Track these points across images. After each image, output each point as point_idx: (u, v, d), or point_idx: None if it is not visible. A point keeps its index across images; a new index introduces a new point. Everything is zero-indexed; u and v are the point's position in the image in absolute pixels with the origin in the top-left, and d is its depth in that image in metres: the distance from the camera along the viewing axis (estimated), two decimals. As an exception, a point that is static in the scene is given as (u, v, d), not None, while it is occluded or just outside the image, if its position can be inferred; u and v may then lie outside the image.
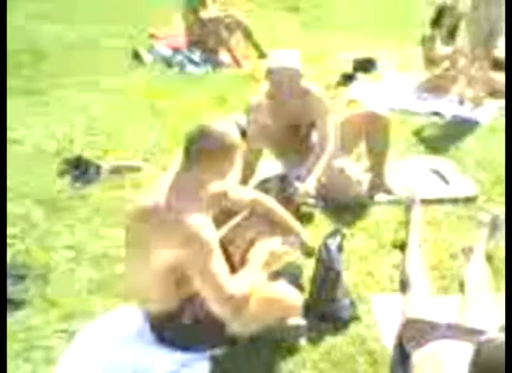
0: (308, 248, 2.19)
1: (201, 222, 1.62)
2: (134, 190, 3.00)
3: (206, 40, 5.33)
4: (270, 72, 2.75)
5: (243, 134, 1.89)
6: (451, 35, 4.67)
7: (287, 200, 2.56)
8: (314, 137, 2.94)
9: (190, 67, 5.17)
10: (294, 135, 2.92)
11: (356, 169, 3.02)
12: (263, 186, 2.79)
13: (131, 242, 1.72)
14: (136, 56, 5.33)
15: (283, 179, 2.81)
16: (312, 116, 2.85)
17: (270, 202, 2.15)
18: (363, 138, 2.96)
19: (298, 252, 2.18)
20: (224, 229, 2.06)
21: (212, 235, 1.64)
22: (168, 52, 5.40)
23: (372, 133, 2.89)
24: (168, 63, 5.25)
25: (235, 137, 1.72)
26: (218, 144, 1.68)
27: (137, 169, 3.25)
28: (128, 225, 1.74)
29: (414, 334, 1.69)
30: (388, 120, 2.91)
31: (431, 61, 4.73)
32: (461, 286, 2.18)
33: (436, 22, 4.70)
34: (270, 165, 3.07)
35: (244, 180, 2.66)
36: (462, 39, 4.37)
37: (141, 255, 1.67)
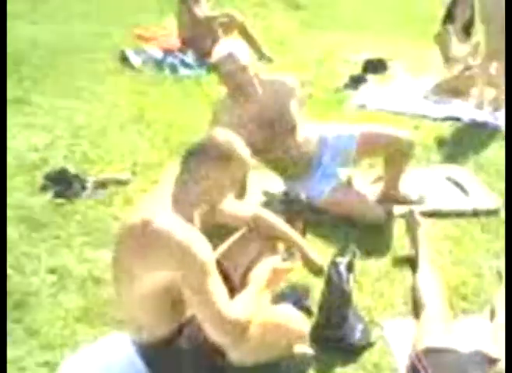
0: (316, 266, 2.19)
1: (196, 241, 1.62)
2: (122, 207, 3.01)
3: (200, 41, 5.36)
4: (218, 68, 2.72)
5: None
6: (466, 31, 4.70)
7: (292, 217, 2.56)
8: (300, 139, 2.90)
9: (183, 71, 5.21)
10: (274, 139, 2.85)
11: (369, 188, 3.06)
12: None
13: (119, 264, 1.71)
14: (123, 58, 5.37)
15: (286, 198, 2.81)
16: (285, 111, 2.81)
17: (272, 217, 2.16)
18: (381, 156, 3.01)
19: (299, 262, 2.19)
20: (222, 248, 2.07)
21: (208, 254, 1.64)
22: (159, 54, 5.44)
23: (393, 157, 2.92)
24: (159, 66, 5.28)
25: (239, 148, 1.75)
26: (221, 155, 1.70)
27: (125, 183, 3.26)
28: (116, 245, 1.74)
29: (430, 364, 1.67)
30: (413, 143, 2.95)
31: (446, 60, 4.76)
32: (492, 312, 2.15)
33: (448, 15, 4.71)
34: (268, 181, 3.10)
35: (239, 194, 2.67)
36: (478, 35, 4.40)
37: (131, 278, 1.66)
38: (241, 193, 2.62)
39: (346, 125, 3.14)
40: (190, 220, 1.69)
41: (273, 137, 2.84)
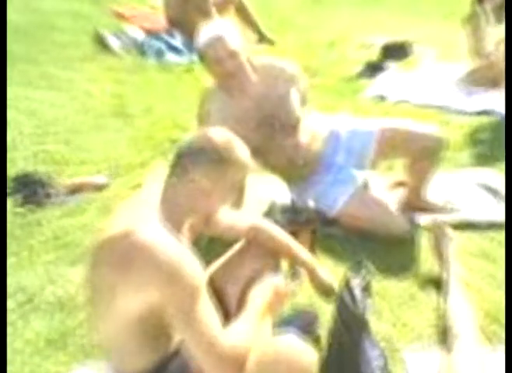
0: (325, 287, 2.21)
1: (185, 257, 1.64)
2: (98, 216, 3.03)
3: (190, 21, 5.31)
4: (203, 54, 2.71)
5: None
6: (499, 14, 4.73)
7: (298, 228, 2.60)
8: (305, 135, 2.91)
9: (170, 56, 5.24)
10: (274, 137, 2.86)
11: (387, 194, 3.08)
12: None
13: (95, 284, 1.72)
14: (100, 41, 5.38)
15: (290, 206, 2.83)
16: (286, 103, 2.82)
17: (273, 229, 2.18)
18: (403, 157, 3.02)
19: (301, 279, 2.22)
20: (216, 264, 2.10)
21: (199, 273, 1.66)
22: (141, 36, 5.46)
23: (419, 158, 2.92)
24: (141, 50, 5.30)
25: (239, 149, 1.77)
26: (219, 158, 1.72)
27: (102, 188, 3.29)
28: (91, 262, 1.74)
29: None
30: (443, 142, 2.93)
31: (477, 47, 4.78)
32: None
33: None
34: (269, 187, 3.14)
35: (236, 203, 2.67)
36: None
37: (109, 299, 1.67)
38: (238, 200, 2.78)
39: (363, 119, 3.16)
40: (179, 232, 1.71)
41: (273, 134, 2.83)
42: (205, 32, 2.72)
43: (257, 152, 2.59)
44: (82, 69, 4.91)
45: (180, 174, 1.72)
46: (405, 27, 5.80)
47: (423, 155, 2.91)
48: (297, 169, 2.94)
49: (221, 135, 1.77)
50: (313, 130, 2.93)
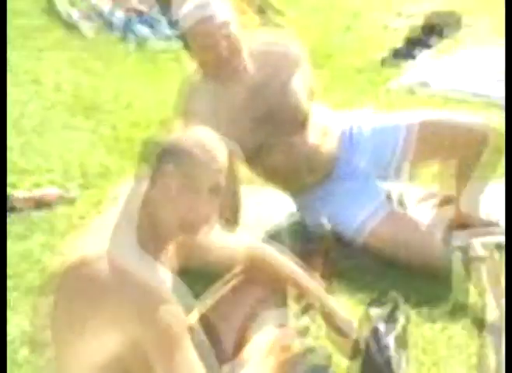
0: (342, 329, 2.19)
1: (164, 290, 1.66)
2: (62, 236, 3.00)
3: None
4: (183, 33, 2.71)
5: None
6: None
7: (309, 254, 2.60)
8: (315, 133, 2.89)
9: (145, 34, 5.27)
10: (275, 136, 2.82)
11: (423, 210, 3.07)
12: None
13: (58, 321, 1.73)
14: (69, 25, 5.42)
15: (298, 225, 2.87)
16: (289, 92, 2.79)
17: (276, 254, 2.18)
18: (448, 160, 2.98)
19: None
20: (206, 297, 2.11)
21: (180, 311, 1.68)
22: (106, 7, 5.46)
23: (470, 160, 2.88)
24: (109, 26, 5.34)
25: (221, 154, 1.79)
26: (189, 163, 1.74)
27: (70, 201, 3.30)
28: (53, 293, 1.75)
29: None
30: (501, 137, 2.76)
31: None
32: None
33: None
34: (270, 200, 3.14)
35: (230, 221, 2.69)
36: None
37: (74, 341, 1.68)
38: (232, 218, 2.80)
39: (389, 113, 3.17)
40: (161, 258, 1.74)
41: (274, 133, 2.78)
42: (187, 1, 2.68)
43: (254, 156, 2.75)
44: (49, 58, 4.93)
45: (156, 184, 1.75)
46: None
47: (475, 156, 2.86)
48: (305, 176, 2.91)
49: (194, 135, 1.79)
50: (324, 126, 2.91)
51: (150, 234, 1.74)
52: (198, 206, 1.75)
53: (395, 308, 2.22)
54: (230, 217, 2.68)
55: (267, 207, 3.16)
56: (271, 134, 2.78)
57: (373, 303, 2.25)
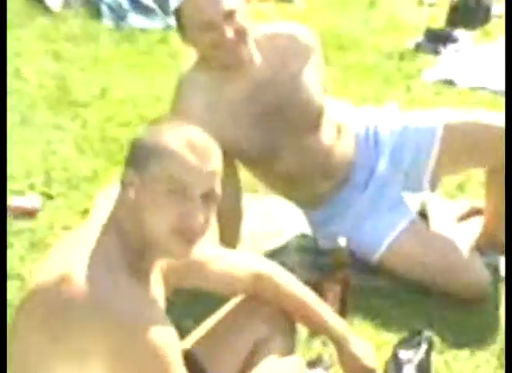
0: (362, 369, 2.19)
1: (154, 319, 1.67)
2: (26, 254, 3.03)
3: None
4: (181, 19, 2.69)
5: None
6: None
7: (324, 278, 2.63)
8: (330, 133, 2.88)
9: (135, 19, 5.26)
10: (284, 137, 2.83)
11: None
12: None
13: (20, 352, 1.72)
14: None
15: (310, 244, 2.87)
16: (301, 87, 2.81)
17: (285, 277, 2.18)
18: (484, 168, 3.00)
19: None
20: (203, 330, 2.12)
21: (172, 343, 1.70)
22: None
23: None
24: (93, 10, 5.32)
25: (214, 156, 1.80)
26: (185, 168, 1.75)
27: (33, 213, 3.28)
28: (15, 321, 1.74)
29: None
30: None
31: None
32: None
33: None
34: (277, 212, 3.17)
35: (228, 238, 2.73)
36: None
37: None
38: (232, 233, 2.85)
39: (416, 112, 3.16)
40: (148, 276, 1.77)
41: (282, 132, 2.80)
42: None
43: (260, 159, 2.82)
44: (8, 38, 4.77)
45: (140, 189, 1.76)
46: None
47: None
48: (318, 183, 2.91)
49: (184, 134, 1.79)
50: (340, 125, 2.92)
51: (138, 247, 1.75)
52: (189, 214, 1.74)
53: (430, 347, 2.32)
54: (230, 229, 2.74)
55: (272, 217, 3.18)
56: (279, 134, 2.81)
57: (402, 344, 2.31)
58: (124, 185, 1.77)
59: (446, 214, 3.21)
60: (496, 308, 2.76)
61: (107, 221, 1.79)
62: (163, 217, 1.73)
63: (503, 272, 2.91)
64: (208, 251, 2.03)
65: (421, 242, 2.85)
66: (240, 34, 2.66)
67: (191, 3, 2.63)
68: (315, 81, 2.84)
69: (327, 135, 2.86)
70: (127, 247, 1.73)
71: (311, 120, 2.82)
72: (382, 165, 2.95)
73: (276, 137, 2.80)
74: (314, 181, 2.90)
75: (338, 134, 2.91)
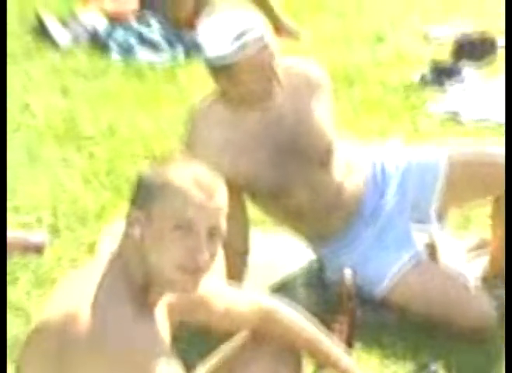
0: None
1: (159, 354, 1.70)
2: (31, 291, 3.00)
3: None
4: (231, 64, 2.67)
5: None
6: None
7: (330, 313, 2.61)
8: (340, 170, 2.91)
9: (142, 53, 5.26)
10: (293, 172, 2.85)
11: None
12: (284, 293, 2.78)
13: None
14: (41, 31, 5.39)
15: (317, 279, 2.85)
16: (311, 121, 2.84)
17: (290, 313, 2.17)
18: (489, 197, 2.99)
19: None
20: (208, 367, 2.12)
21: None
22: (102, 24, 5.47)
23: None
24: (102, 45, 5.30)
25: (219, 192, 1.81)
26: (190, 204, 1.76)
27: (39, 249, 3.25)
28: (19, 362, 1.76)
29: None
30: None
31: None
32: None
33: None
34: (285, 248, 3.16)
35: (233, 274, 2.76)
36: None
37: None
38: (237, 269, 2.86)
39: (421, 146, 3.18)
40: (150, 317, 1.77)
41: (295, 166, 2.83)
42: (222, 23, 2.67)
43: (272, 195, 2.83)
44: (15, 72, 4.88)
45: (145, 225, 1.78)
46: (487, 11, 5.82)
47: None
48: (328, 218, 2.93)
49: (189, 170, 1.82)
50: (349, 162, 2.95)
51: (142, 283, 1.77)
52: (195, 250, 1.76)
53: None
54: (236, 264, 2.79)
55: (279, 252, 3.18)
56: (291, 169, 2.82)
57: None
58: (130, 222, 1.78)
59: (454, 246, 3.19)
60: (501, 342, 2.63)
61: (113, 257, 1.81)
62: (169, 253, 1.75)
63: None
64: (213, 286, 2.03)
65: (424, 276, 2.86)
66: (274, 74, 2.71)
67: (241, 45, 2.63)
68: (326, 117, 2.88)
69: (337, 171, 2.89)
70: (132, 283, 1.75)
71: (322, 155, 2.86)
72: (389, 200, 2.98)
73: (288, 172, 2.82)
74: (324, 216, 2.92)
75: (348, 171, 2.93)
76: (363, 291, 2.83)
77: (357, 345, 2.62)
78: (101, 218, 3.44)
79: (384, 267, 2.87)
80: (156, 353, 1.71)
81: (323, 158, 2.86)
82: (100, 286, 1.72)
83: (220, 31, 2.66)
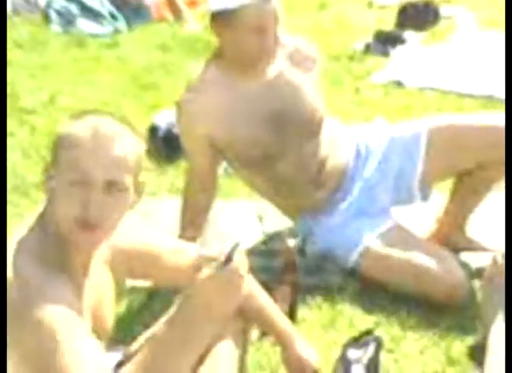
0: (300, 357, 2.23)
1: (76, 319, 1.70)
2: None
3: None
4: (234, 12, 2.76)
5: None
6: None
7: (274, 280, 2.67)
8: (326, 143, 2.99)
9: (84, 24, 5.26)
10: (285, 141, 2.92)
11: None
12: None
13: None
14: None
15: (263, 247, 2.91)
16: (306, 95, 2.93)
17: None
18: (468, 168, 3.00)
19: None
20: (153, 329, 2.11)
21: (69, 320, 1.69)
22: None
23: (489, 166, 2.91)
24: (41, 15, 5.33)
25: (123, 147, 1.82)
26: (82, 153, 1.78)
27: None
28: None
29: None
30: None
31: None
32: None
33: None
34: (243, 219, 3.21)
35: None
36: None
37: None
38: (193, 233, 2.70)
39: (400, 123, 3.25)
40: (66, 266, 1.79)
41: (285, 137, 2.90)
42: None
43: (261, 161, 2.89)
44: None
45: (54, 178, 1.82)
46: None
47: (493, 161, 2.87)
48: (312, 191, 3.00)
49: (91, 122, 1.83)
50: (334, 138, 3.03)
51: (55, 240, 1.80)
52: (89, 203, 1.76)
53: (378, 348, 2.30)
54: (194, 227, 2.74)
55: (233, 223, 3.17)
56: (283, 137, 2.89)
57: (351, 344, 2.31)
58: (46, 178, 1.84)
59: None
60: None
61: (37, 216, 1.84)
62: (65, 206, 1.77)
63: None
64: (166, 244, 2.08)
65: (401, 245, 2.88)
66: (275, 43, 2.83)
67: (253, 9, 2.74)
68: (317, 91, 2.95)
69: (323, 145, 2.95)
70: (48, 241, 1.79)
71: (313, 128, 2.93)
72: (368, 172, 3.04)
73: (280, 140, 2.89)
74: (307, 188, 2.98)
75: (333, 147, 2.99)
76: (339, 259, 2.91)
77: (301, 311, 2.69)
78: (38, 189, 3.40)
79: (358, 236, 2.91)
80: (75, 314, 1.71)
81: (313, 131, 2.93)
82: (24, 246, 1.77)
83: None
